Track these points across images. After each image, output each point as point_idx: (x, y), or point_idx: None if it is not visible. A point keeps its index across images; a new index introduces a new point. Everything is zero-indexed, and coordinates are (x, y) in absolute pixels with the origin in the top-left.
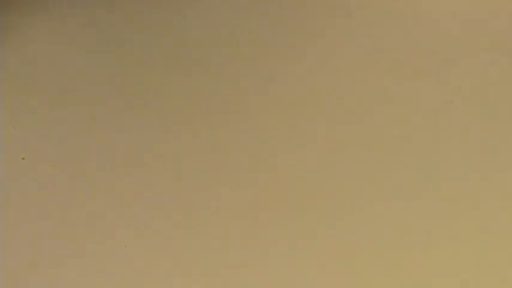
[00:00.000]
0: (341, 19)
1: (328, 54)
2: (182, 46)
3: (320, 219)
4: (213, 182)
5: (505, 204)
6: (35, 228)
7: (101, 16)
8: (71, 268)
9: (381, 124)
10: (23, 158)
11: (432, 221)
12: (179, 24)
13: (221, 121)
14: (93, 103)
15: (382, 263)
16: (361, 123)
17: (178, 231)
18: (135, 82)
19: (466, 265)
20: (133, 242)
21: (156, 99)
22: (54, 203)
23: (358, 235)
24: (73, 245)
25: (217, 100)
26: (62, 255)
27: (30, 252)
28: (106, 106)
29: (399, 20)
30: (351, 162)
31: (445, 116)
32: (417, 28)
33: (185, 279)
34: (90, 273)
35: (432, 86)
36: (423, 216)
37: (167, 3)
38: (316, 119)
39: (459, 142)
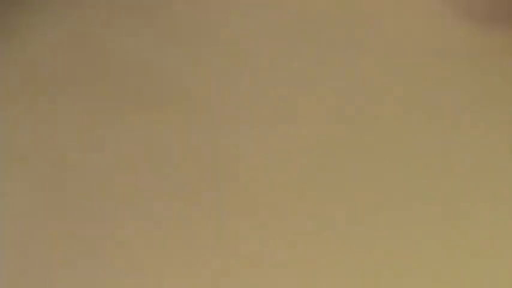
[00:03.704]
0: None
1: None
2: (183, 46)
3: (316, 219)
4: (214, 181)
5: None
6: (36, 229)
7: (101, 16)
8: (71, 268)
9: (377, 122)
10: (22, 159)
11: (431, 222)
12: (181, 24)
13: (222, 120)
14: (94, 103)
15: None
16: (357, 122)
17: (181, 231)
18: (137, 82)
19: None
20: (135, 242)
21: (158, 99)
22: (55, 204)
23: (357, 237)
24: (74, 245)
25: (216, 100)
26: (63, 256)
27: (30, 253)
28: (107, 106)
29: None
30: (345, 161)
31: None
32: None
33: (187, 279)
34: (91, 273)
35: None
36: (421, 217)
37: (169, 4)
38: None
39: (457, 142)
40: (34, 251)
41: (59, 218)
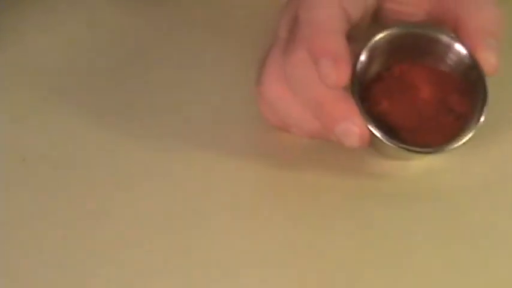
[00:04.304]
0: None
1: None
2: (184, 46)
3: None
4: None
5: None
6: (36, 230)
7: (101, 16)
8: (71, 269)
9: None
10: (23, 160)
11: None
12: (182, 22)
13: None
14: (95, 104)
15: None
16: None
17: (183, 232)
18: (138, 83)
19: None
20: (136, 243)
21: (159, 100)
22: (55, 205)
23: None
24: (74, 246)
25: (217, 98)
26: (63, 257)
27: (30, 254)
28: (107, 107)
29: None
30: None
31: None
32: None
33: (189, 280)
34: (91, 274)
35: None
36: None
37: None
38: None
39: None
40: (34, 252)
41: (59, 220)
